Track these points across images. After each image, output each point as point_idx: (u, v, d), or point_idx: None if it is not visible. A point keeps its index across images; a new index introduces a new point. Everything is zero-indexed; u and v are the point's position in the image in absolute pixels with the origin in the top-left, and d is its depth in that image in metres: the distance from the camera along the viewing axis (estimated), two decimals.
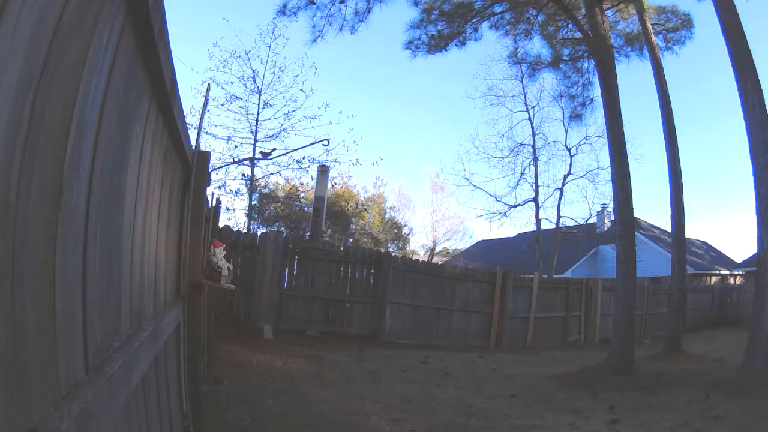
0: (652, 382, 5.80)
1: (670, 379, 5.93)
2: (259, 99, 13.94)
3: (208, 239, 3.92)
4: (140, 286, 1.50)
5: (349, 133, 37.68)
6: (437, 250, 27.80)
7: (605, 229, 22.07)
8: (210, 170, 3.26)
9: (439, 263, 17.75)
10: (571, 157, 18.43)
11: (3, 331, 0.59)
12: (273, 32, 13.62)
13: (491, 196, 19.30)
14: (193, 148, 2.73)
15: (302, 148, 14.77)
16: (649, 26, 9.03)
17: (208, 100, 4.11)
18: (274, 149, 11.92)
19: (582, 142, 18.60)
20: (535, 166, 18.61)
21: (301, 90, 17.21)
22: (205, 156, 2.83)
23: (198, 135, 3.53)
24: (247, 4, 30.83)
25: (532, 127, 18.66)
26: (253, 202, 15.77)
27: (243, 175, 14.45)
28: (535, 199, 18.52)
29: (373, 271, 8.83)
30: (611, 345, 7.36)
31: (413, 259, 11.75)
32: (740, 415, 4.33)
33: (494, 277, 10.22)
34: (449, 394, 5.28)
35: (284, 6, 8.09)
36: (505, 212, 18.75)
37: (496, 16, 8.96)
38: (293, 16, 8.23)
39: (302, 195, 17.51)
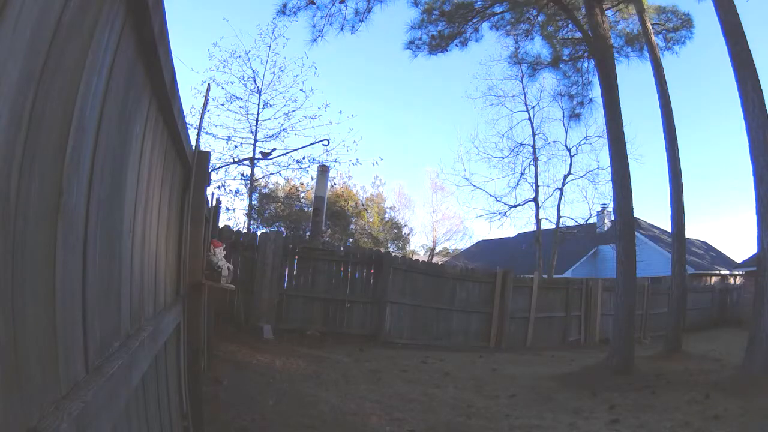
0: (652, 382, 5.80)
1: (670, 379, 5.93)
2: (259, 99, 13.96)
3: (208, 239, 3.92)
4: (140, 286, 1.50)
5: (349, 133, 37.74)
6: (437, 250, 27.79)
7: (605, 229, 22.03)
8: (210, 170, 3.26)
9: (439, 263, 17.74)
10: (571, 157, 18.42)
11: (3, 331, 0.59)
12: (273, 32, 13.64)
13: (491, 196, 19.27)
14: (193, 148, 2.73)
15: (302, 148, 14.75)
16: (649, 26, 9.02)
17: (208, 100, 4.11)
18: (274, 149, 11.95)
19: (582, 142, 18.55)
20: (535, 166, 18.60)
21: (301, 90, 17.22)
22: (205, 156, 2.83)
23: (198, 135, 3.53)
24: (247, 4, 30.86)
25: (532, 127, 18.65)
26: (253, 202, 15.77)
27: (243, 175, 14.47)
28: (535, 199, 18.51)
29: (373, 271, 8.82)
30: (611, 345, 7.36)
31: (413, 259, 11.75)
32: (740, 415, 4.33)
33: (494, 277, 10.22)
34: (449, 394, 5.28)
35: (284, 6, 8.09)
36: (505, 212, 18.73)
37: (496, 17, 8.96)
38: (293, 16, 8.24)
39: (302, 195, 17.52)
